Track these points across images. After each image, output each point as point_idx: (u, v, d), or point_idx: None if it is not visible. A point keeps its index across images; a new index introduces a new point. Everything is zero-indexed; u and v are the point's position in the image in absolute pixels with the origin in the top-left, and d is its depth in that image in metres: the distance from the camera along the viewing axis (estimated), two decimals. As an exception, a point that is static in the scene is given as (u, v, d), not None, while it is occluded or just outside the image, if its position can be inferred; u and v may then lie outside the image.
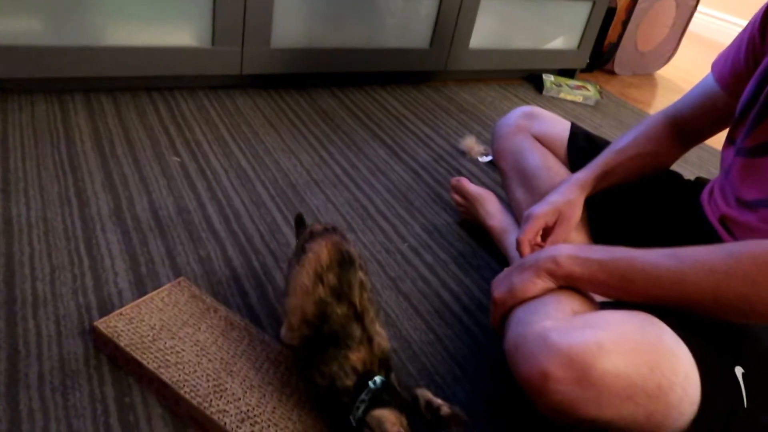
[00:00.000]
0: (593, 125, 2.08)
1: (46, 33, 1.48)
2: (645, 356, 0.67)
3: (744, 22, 0.97)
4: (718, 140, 1.05)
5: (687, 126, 1.05)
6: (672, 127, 1.06)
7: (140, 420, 0.79)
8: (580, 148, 1.19)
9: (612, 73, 2.79)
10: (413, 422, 0.69)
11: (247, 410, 0.78)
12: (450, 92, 2.15)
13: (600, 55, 2.67)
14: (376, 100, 1.96)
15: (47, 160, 1.29)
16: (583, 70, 2.61)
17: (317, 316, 0.76)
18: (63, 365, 0.84)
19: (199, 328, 0.89)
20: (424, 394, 0.71)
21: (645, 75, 2.91)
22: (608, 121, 2.19)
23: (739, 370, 0.71)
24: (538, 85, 2.37)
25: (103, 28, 1.54)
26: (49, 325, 0.90)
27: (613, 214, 1.08)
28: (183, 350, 0.85)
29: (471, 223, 1.36)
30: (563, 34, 2.38)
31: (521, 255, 0.98)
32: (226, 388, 0.80)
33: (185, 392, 0.78)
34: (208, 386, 0.80)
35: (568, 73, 2.52)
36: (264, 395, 0.81)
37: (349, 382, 0.73)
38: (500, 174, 1.31)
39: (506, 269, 0.88)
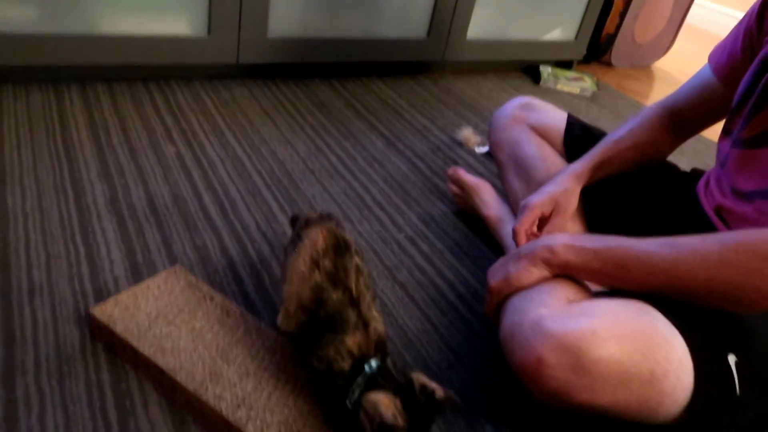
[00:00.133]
0: (590, 117, 2.09)
1: (41, 21, 1.47)
2: (639, 343, 0.68)
3: (741, 14, 0.96)
4: (714, 132, 1.05)
5: (683, 117, 1.05)
6: (668, 118, 1.06)
7: (137, 406, 0.79)
8: (577, 138, 1.20)
9: (609, 64, 2.79)
10: (407, 405, 0.69)
11: (243, 396, 0.78)
12: (447, 83, 2.15)
13: (597, 47, 2.67)
14: (373, 90, 1.95)
15: (43, 149, 1.29)
16: (580, 62, 2.61)
17: (314, 302, 0.76)
18: (59, 352, 0.84)
19: (195, 316, 0.89)
20: (419, 377, 0.72)
21: (642, 67, 2.91)
22: (605, 112, 2.19)
23: (732, 358, 0.71)
24: (535, 77, 2.37)
25: (99, 16, 1.53)
26: (45, 312, 0.90)
27: (608, 204, 1.09)
28: (179, 337, 0.85)
29: (467, 213, 1.36)
30: (560, 25, 2.38)
31: (517, 244, 0.98)
32: (222, 375, 0.80)
33: (181, 379, 0.78)
34: (204, 373, 0.80)
35: (566, 65, 2.52)
36: (260, 382, 0.81)
37: (345, 365, 0.73)
38: (497, 164, 1.31)
39: (502, 258, 0.89)
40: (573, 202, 1.03)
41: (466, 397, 0.91)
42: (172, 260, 1.05)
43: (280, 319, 0.92)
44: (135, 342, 0.82)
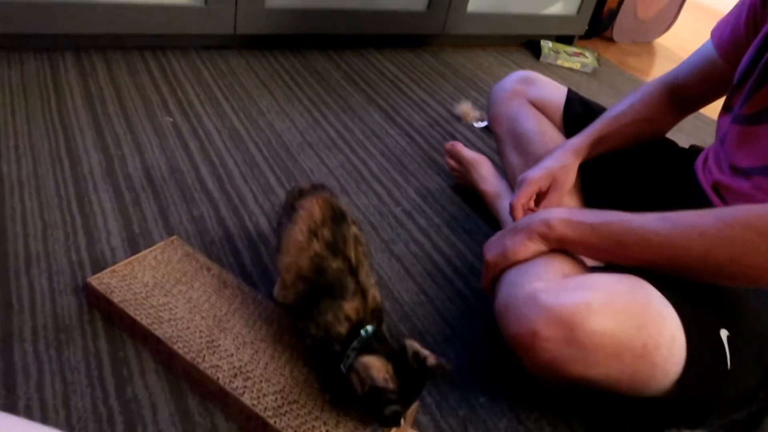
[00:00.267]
0: (590, 93, 2.07)
1: (35, -13, 1.45)
2: (633, 317, 0.68)
3: (745, -10, 0.95)
4: (713, 109, 1.04)
5: (684, 93, 1.04)
6: (669, 94, 1.06)
7: (134, 374, 0.80)
8: (576, 113, 1.19)
9: (611, 40, 2.76)
10: (399, 370, 0.70)
11: (240, 366, 0.79)
12: (447, 57, 2.13)
13: (599, 22, 2.64)
14: (372, 63, 1.93)
15: (38, 117, 1.27)
16: (581, 37, 2.58)
17: (313, 271, 0.77)
18: (57, 321, 0.85)
19: (192, 286, 0.90)
20: (412, 344, 0.73)
21: (644, 43, 2.88)
22: (605, 88, 2.17)
23: (724, 333, 0.72)
24: (535, 52, 2.35)
25: (93, -17, 1.51)
26: (42, 281, 0.90)
27: (606, 179, 1.09)
28: (176, 307, 0.85)
29: (464, 187, 1.36)
30: (562, 0, 2.34)
31: (514, 219, 0.98)
32: (219, 345, 0.81)
33: (178, 348, 0.79)
34: (201, 342, 0.81)
35: (567, 40, 2.49)
36: (256, 352, 0.81)
37: (342, 330, 0.74)
38: (495, 139, 1.30)
39: (499, 232, 0.89)
40: (571, 177, 1.03)
41: (460, 369, 0.92)
42: (169, 231, 1.05)
43: (276, 290, 0.92)
44: (132, 312, 0.83)
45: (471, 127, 1.67)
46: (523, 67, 2.19)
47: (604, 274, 0.76)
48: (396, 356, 0.72)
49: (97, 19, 1.53)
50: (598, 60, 2.38)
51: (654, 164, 1.07)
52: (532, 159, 1.12)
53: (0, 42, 1.49)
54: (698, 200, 0.94)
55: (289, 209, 0.84)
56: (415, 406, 0.79)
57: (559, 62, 2.30)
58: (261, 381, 0.77)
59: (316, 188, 0.86)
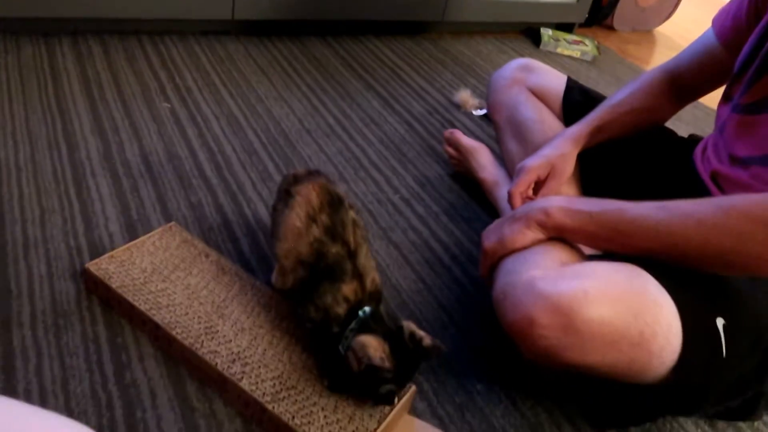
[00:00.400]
0: (590, 81, 2.06)
1: (31, -30, 1.43)
2: (630, 305, 0.69)
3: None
4: (712, 99, 1.04)
5: (684, 81, 1.04)
6: (669, 83, 1.05)
7: (132, 360, 0.80)
8: (576, 102, 1.19)
9: (611, 28, 2.75)
10: (396, 350, 0.71)
11: (238, 351, 0.79)
12: (446, 44, 2.11)
13: (599, 10, 2.62)
14: (371, 49, 1.92)
15: (35, 102, 1.27)
16: (581, 25, 2.56)
17: (313, 257, 0.77)
18: (55, 306, 0.85)
19: (191, 272, 0.90)
20: (409, 325, 0.74)
21: (644, 31, 2.87)
22: (605, 77, 2.17)
23: (720, 321, 0.72)
24: (535, 39, 2.33)
25: (90, -34, 1.49)
26: (41, 266, 0.90)
27: (605, 168, 1.09)
28: (174, 293, 0.85)
29: (463, 175, 1.36)
30: (563, -13, 2.33)
31: (512, 207, 0.98)
32: (218, 331, 0.81)
33: (177, 333, 0.79)
34: (200, 328, 0.81)
35: (567, 28, 2.48)
36: (255, 338, 0.82)
37: (341, 310, 0.75)
38: (494, 127, 1.30)
39: (497, 220, 0.89)
40: (569, 166, 1.03)
41: (457, 356, 0.92)
42: (167, 217, 1.05)
43: (274, 276, 0.92)
44: (131, 297, 0.83)
45: (470, 115, 1.67)
46: (522, 55, 2.18)
47: (601, 262, 0.77)
48: (393, 336, 0.73)
49: (94, 2, 1.52)
50: (598, 48, 2.37)
51: (653, 153, 1.07)
52: (531, 147, 1.12)
53: (-4, 26, 1.48)
54: (696, 189, 0.94)
55: (284, 195, 0.84)
56: (411, 392, 0.80)
57: (558, 50, 2.29)
58: (259, 367, 0.78)
59: (311, 174, 0.86)
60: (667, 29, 2.95)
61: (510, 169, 1.21)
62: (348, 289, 0.75)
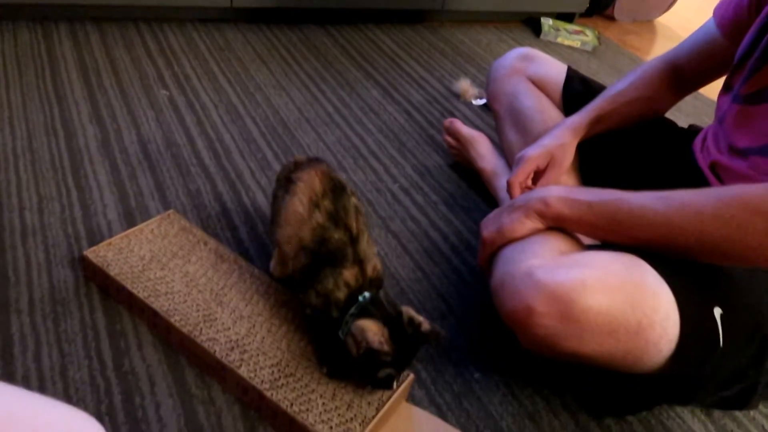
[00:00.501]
0: (590, 71, 2.06)
1: (28, -45, 1.42)
2: (628, 295, 0.69)
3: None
4: (713, 90, 1.04)
5: (685, 71, 1.04)
6: (669, 73, 1.05)
7: (131, 347, 0.80)
8: (576, 92, 1.18)
9: (611, 18, 2.73)
10: (395, 335, 0.71)
11: (237, 339, 0.79)
12: (446, 33, 2.10)
13: (600, 0, 2.60)
14: (370, 38, 1.91)
15: (32, 89, 1.26)
16: (582, 15, 2.55)
17: (315, 242, 0.77)
18: (53, 293, 0.85)
19: (189, 260, 0.90)
20: (408, 311, 0.74)
21: (645, 22, 2.85)
22: (605, 67, 2.16)
23: (717, 311, 0.72)
24: (535, 29, 2.32)
25: (88, -48, 1.48)
26: (38, 253, 0.90)
27: (604, 158, 1.08)
28: (173, 281, 0.85)
29: (462, 165, 1.36)
30: (564, -24, 2.32)
31: (511, 197, 0.98)
32: (216, 318, 0.81)
33: (176, 321, 0.79)
34: (198, 316, 0.81)
35: (567, 17, 2.46)
36: (253, 325, 0.82)
37: (341, 295, 0.75)
38: (494, 116, 1.30)
39: (496, 210, 0.89)
40: (569, 156, 1.03)
41: (455, 345, 0.93)
42: (166, 205, 1.05)
43: (273, 264, 0.92)
44: (129, 285, 0.83)
45: (469, 105, 1.66)
46: (522, 45, 2.16)
47: (600, 251, 0.77)
48: (392, 321, 0.73)
49: (92, -11, 1.51)
50: (598, 38, 2.36)
51: (652, 143, 1.07)
52: (530, 137, 1.12)
53: (-7, 12, 1.47)
54: (696, 180, 0.94)
55: (285, 182, 0.84)
56: (409, 380, 0.80)
57: (559, 40, 2.28)
58: (258, 354, 0.78)
59: (313, 161, 0.86)
60: (668, 20, 2.94)
61: (509, 159, 1.21)
62: (349, 274, 0.76)
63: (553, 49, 2.21)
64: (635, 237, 0.75)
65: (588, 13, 2.58)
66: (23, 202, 0.98)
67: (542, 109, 1.17)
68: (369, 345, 0.69)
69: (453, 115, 1.58)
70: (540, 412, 0.86)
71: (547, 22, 2.31)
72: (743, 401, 0.82)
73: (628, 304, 0.68)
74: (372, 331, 0.70)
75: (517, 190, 0.99)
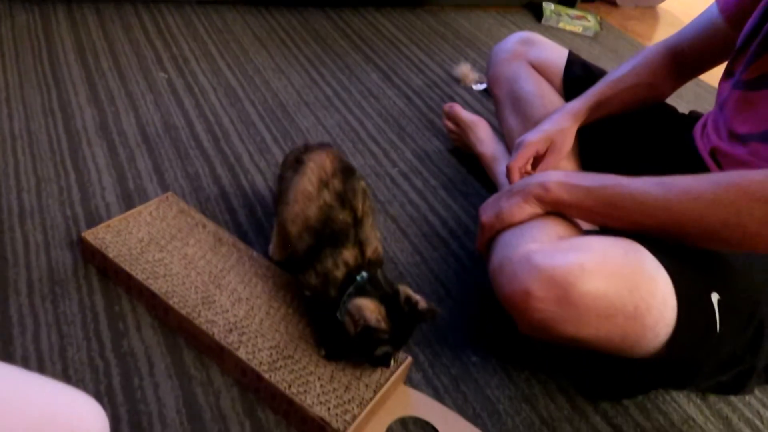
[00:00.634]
0: (591, 57, 2.04)
1: (24, -66, 1.40)
2: (625, 279, 0.69)
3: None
4: (713, 76, 1.03)
5: (686, 57, 1.03)
6: (671, 58, 1.04)
7: (130, 328, 0.81)
8: (577, 77, 1.18)
9: (613, 4, 2.71)
10: (392, 313, 0.72)
11: (235, 321, 0.79)
12: (447, 17, 2.09)
13: (602, -15, 2.58)
14: (371, 22, 1.90)
15: (29, 71, 1.25)
16: (584, 0, 2.53)
17: (320, 221, 0.78)
18: (52, 274, 0.85)
19: (188, 243, 0.90)
20: (405, 290, 0.75)
21: (647, 7, 2.83)
22: (606, 53, 2.15)
23: (715, 297, 0.73)
24: (537, 14, 2.31)
25: (85, -69, 1.46)
26: (37, 235, 0.90)
27: (604, 144, 1.08)
28: (171, 263, 0.85)
29: (462, 150, 1.36)
30: (566, -40, 2.29)
31: (510, 182, 0.98)
32: (215, 301, 0.82)
33: (174, 303, 0.79)
34: (197, 298, 0.81)
35: (569, 2, 2.44)
36: (252, 308, 0.82)
37: (339, 274, 0.76)
38: (494, 101, 1.29)
39: (495, 194, 0.89)
40: (569, 141, 1.02)
41: (453, 329, 0.93)
42: (164, 188, 1.05)
43: (271, 248, 0.92)
44: (128, 267, 0.83)
45: (469, 90, 1.65)
46: (523, 29, 2.15)
47: (598, 236, 0.77)
48: (389, 300, 0.73)
49: (89, -31, 1.49)
50: (600, 24, 2.34)
51: (653, 129, 1.06)
52: (530, 122, 1.11)
53: (-11, -8, 1.45)
54: (696, 166, 0.94)
55: (294, 163, 0.85)
56: (407, 362, 0.80)
57: (560, 25, 2.26)
58: (256, 336, 0.78)
59: (323, 145, 0.88)
60: (670, 5, 2.91)
61: (509, 144, 1.21)
62: (348, 254, 0.76)
63: (555, 34, 2.19)
64: (634, 222, 0.75)
65: (590, -2, 2.56)
66: (21, 183, 0.98)
67: (542, 94, 1.17)
68: (366, 323, 0.70)
69: (453, 100, 1.57)
70: (537, 396, 0.86)
71: (548, 7, 2.30)
72: (739, 386, 0.83)
73: (626, 289, 0.68)
74: (369, 309, 0.71)
75: (516, 175, 0.98)
